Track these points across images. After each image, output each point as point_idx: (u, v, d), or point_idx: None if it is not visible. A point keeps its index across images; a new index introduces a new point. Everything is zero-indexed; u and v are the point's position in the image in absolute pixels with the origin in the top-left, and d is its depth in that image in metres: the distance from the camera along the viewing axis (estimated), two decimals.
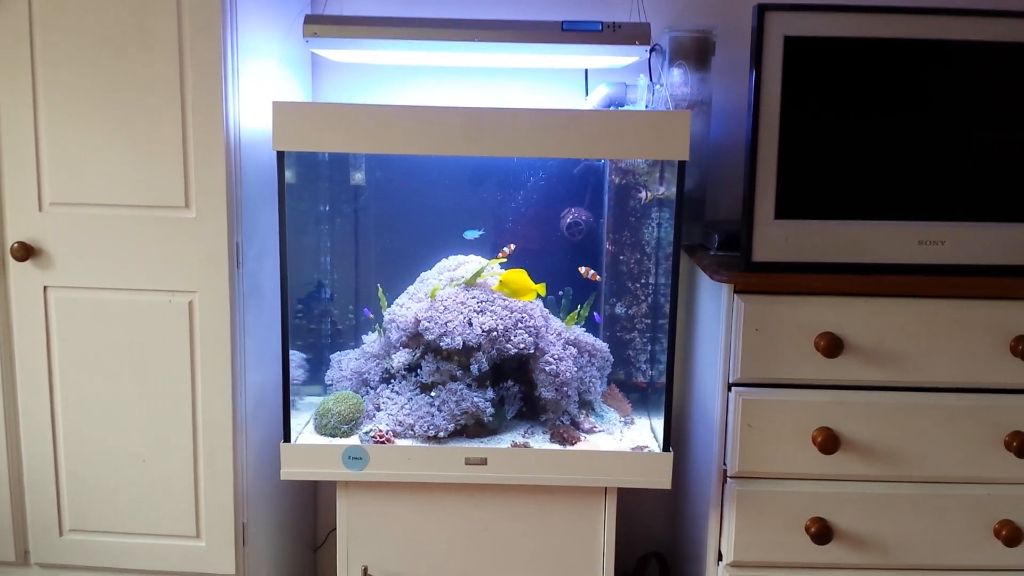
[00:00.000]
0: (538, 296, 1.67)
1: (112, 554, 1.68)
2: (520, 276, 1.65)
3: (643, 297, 1.80)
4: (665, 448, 1.60)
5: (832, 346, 1.49)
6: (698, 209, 1.83)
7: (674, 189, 1.55)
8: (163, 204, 1.57)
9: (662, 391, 1.75)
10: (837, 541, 1.56)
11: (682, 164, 1.50)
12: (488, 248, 1.77)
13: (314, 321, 1.86)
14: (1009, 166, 1.54)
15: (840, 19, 1.49)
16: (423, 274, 1.77)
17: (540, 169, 1.77)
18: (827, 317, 1.50)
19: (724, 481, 1.57)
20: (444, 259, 1.75)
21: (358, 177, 1.82)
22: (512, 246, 1.73)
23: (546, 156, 1.55)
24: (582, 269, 1.73)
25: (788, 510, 1.55)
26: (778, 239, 1.52)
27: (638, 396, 1.83)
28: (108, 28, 1.51)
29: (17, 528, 1.69)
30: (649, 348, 1.82)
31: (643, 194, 1.73)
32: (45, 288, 1.61)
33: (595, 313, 1.80)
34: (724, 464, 1.57)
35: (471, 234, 1.74)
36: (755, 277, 1.50)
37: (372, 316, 1.82)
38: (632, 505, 2.07)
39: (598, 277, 1.73)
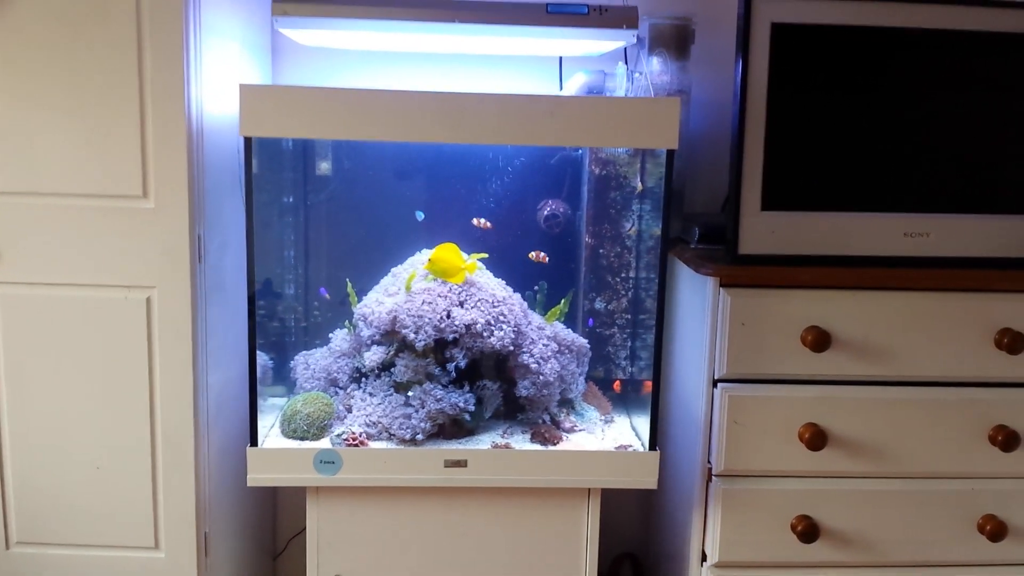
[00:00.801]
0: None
1: (64, 568, 1.58)
2: (449, 253, 1.58)
3: (623, 292, 1.76)
4: (651, 447, 1.56)
5: (820, 340, 1.47)
6: (677, 202, 1.79)
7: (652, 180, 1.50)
8: (119, 194, 1.47)
9: (641, 388, 1.72)
10: (824, 539, 1.54)
11: (671, 153, 1.46)
12: (463, 238, 1.70)
13: (277, 318, 1.78)
14: (995, 158, 1.53)
15: (828, 6, 1.47)
16: (394, 269, 1.70)
17: (516, 159, 1.71)
18: (814, 311, 1.48)
19: (709, 480, 1.54)
20: (417, 253, 1.68)
21: (325, 167, 1.74)
22: (484, 221, 1.66)
23: (528, 144, 1.50)
24: (532, 254, 1.66)
25: (774, 508, 1.53)
26: (765, 231, 1.49)
27: (616, 394, 1.78)
28: (61, 3, 1.41)
29: None
30: (629, 344, 1.78)
31: (636, 184, 1.68)
32: None
33: (590, 320, 1.75)
34: (709, 462, 1.54)
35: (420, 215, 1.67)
36: (741, 270, 1.47)
37: (328, 297, 1.75)
38: (603, 504, 2.03)
39: (546, 259, 1.66)
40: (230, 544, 1.75)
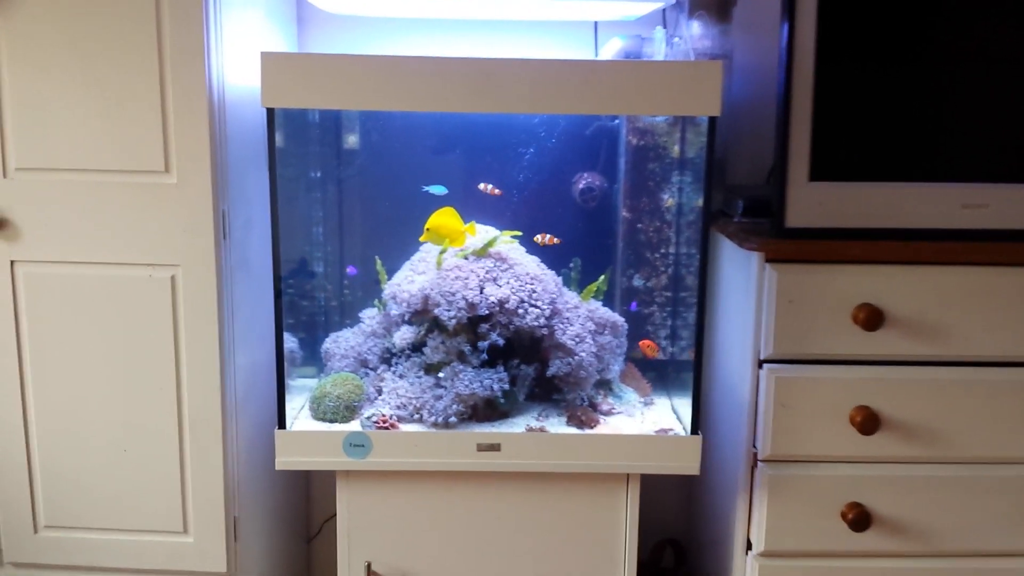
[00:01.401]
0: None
1: (92, 552, 1.55)
2: (447, 217, 1.50)
3: (663, 268, 1.68)
4: (693, 431, 1.49)
5: (872, 318, 1.39)
6: (719, 173, 1.71)
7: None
8: (141, 168, 1.43)
9: (682, 369, 1.65)
10: (876, 527, 1.47)
11: (712, 121, 1.38)
12: (495, 214, 1.64)
13: (307, 297, 1.73)
14: None
15: None
16: (426, 244, 1.64)
17: (551, 130, 1.64)
18: (866, 287, 1.40)
19: (754, 465, 1.47)
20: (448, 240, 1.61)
21: (353, 140, 1.69)
22: (492, 187, 1.59)
23: (563, 112, 1.42)
24: (538, 238, 1.59)
25: (823, 495, 1.46)
26: (813, 203, 1.41)
27: (655, 375, 1.71)
28: None
29: None
30: (669, 323, 1.71)
31: (672, 150, 1.60)
32: (12, 263, 1.47)
33: (633, 303, 1.68)
34: (754, 447, 1.47)
35: (438, 189, 1.60)
36: (788, 244, 1.39)
37: (355, 273, 1.70)
38: (644, 489, 1.96)
39: (556, 241, 1.59)
40: (261, 528, 1.71)
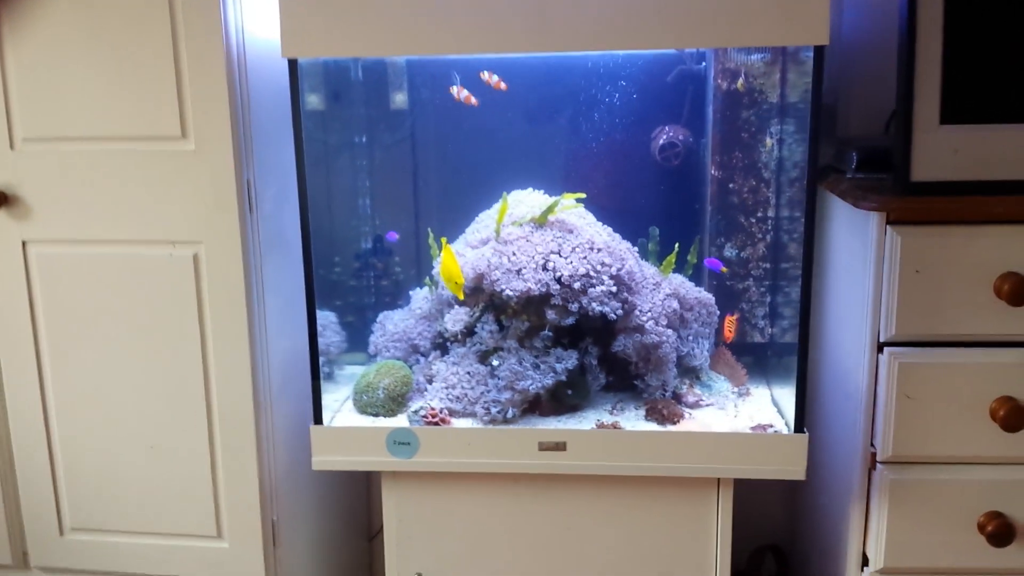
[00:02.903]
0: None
1: (121, 556, 1.46)
2: (448, 260, 1.35)
3: (759, 235, 1.45)
4: (798, 428, 1.27)
5: (1019, 291, 1.21)
6: (828, 122, 1.48)
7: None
8: (155, 135, 1.31)
9: (784, 353, 1.43)
10: (1020, 541, 1.29)
11: (819, 52, 1.15)
12: (560, 178, 1.45)
13: (354, 276, 1.57)
14: None
15: None
16: (481, 215, 1.46)
17: (623, 77, 1.42)
18: (1013, 253, 1.22)
19: (872, 467, 1.30)
20: (505, 195, 1.42)
21: (401, 99, 1.51)
22: (495, 78, 1.37)
23: (635, 48, 1.23)
24: (484, 75, 1.36)
25: (957, 503, 1.29)
26: (944, 151, 1.23)
27: (752, 360, 1.50)
28: None
29: (12, 527, 1.48)
30: (768, 300, 1.48)
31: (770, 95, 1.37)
32: (24, 243, 1.37)
33: (708, 260, 1.45)
34: (872, 446, 1.30)
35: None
36: (915, 202, 1.22)
37: (395, 241, 1.55)
38: (739, 487, 1.77)
39: (502, 85, 1.36)
40: (309, 530, 1.59)
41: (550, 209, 1.35)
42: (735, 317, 1.45)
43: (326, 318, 1.50)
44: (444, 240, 1.37)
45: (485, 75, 1.38)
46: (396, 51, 1.26)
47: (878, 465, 1.28)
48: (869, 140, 1.49)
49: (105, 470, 1.44)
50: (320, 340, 1.35)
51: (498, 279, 1.31)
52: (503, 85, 1.38)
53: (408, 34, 1.19)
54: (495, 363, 1.34)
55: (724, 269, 1.44)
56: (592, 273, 1.31)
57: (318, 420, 1.35)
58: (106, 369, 1.39)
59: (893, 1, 1.50)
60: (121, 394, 1.40)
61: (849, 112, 1.59)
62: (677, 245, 1.42)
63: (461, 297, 1.36)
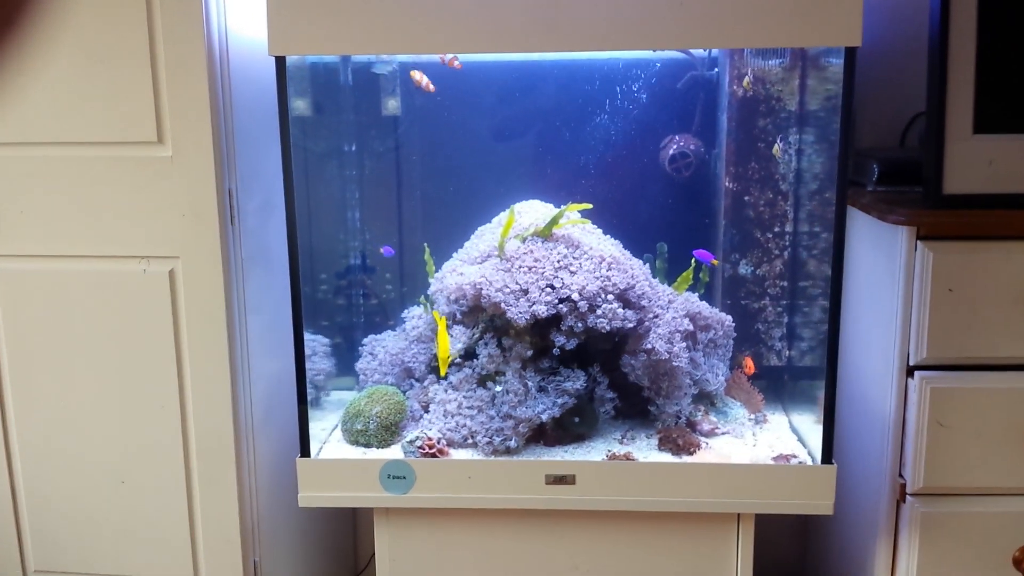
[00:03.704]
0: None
1: None
2: (441, 335, 1.27)
3: (776, 252, 1.36)
4: (825, 459, 1.18)
5: None
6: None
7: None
8: (129, 139, 1.21)
9: (800, 377, 1.35)
10: None
11: (851, 54, 1.06)
12: (564, 187, 1.36)
13: (342, 295, 1.47)
14: None
15: None
16: (481, 228, 1.36)
17: (633, 83, 1.33)
18: None
19: (901, 499, 1.23)
20: (507, 210, 1.33)
21: (394, 105, 1.41)
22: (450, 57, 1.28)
23: (648, 48, 1.14)
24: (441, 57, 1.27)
25: (992, 538, 1.22)
26: (979, 162, 1.17)
27: (766, 384, 1.40)
28: None
29: None
30: (785, 320, 1.38)
31: (777, 146, 1.29)
32: None
33: (697, 251, 1.35)
34: (901, 476, 1.23)
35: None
36: (948, 215, 1.16)
37: (392, 254, 1.46)
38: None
39: (457, 63, 1.27)
40: (293, 569, 1.49)
41: (555, 221, 1.26)
42: (750, 357, 1.37)
43: (313, 340, 1.40)
44: (442, 319, 1.28)
45: (416, 75, 1.28)
46: (390, 49, 1.17)
47: (908, 497, 1.21)
48: (888, 152, 1.42)
49: (72, 507, 1.34)
50: (306, 364, 1.24)
51: (501, 299, 1.21)
52: (432, 87, 1.29)
53: (403, 32, 1.10)
54: (497, 388, 1.24)
55: (715, 262, 1.34)
56: (601, 291, 1.21)
57: (305, 452, 1.24)
58: (73, 397, 1.29)
59: (909, 6, 1.44)
60: (90, 425, 1.30)
61: (863, 122, 1.51)
62: (694, 260, 1.33)
63: (442, 374, 1.28)
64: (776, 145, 1.29)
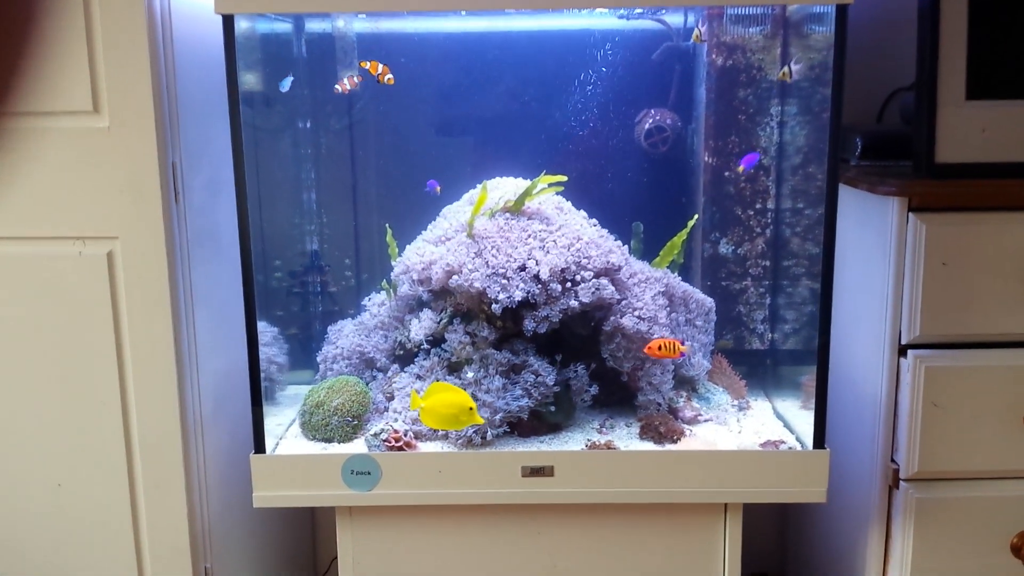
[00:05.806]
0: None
1: None
2: (447, 392, 1.13)
3: (758, 230, 1.30)
4: (817, 443, 1.12)
5: None
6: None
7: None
8: (62, 109, 1.11)
9: (781, 361, 1.32)
10: None
11: (842, 12, 1.00)
12: (535, 163, 1.29)
13: (298, 281, 1.38)
14: None
15: None
16: (446, 208, 1.29)
17: (605, 54, 1.27)
18: None
19: (894, 485, 1.19)
20: (477, 187, 1.26)
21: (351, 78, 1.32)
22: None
23: (631, 5, 1.05)
24: (367, 63, 1.17)
25: (990, 523, 1.19)
26: (972, 130, 1.13)
27: (747, 369, 1.35)
28: None
29: None
30: (768, 301, 1.33)
31: (787, 68, 1.21)
32: None
33: (746, 158, 1.28)
34: (894, 461, 1.19)
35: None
36: (940, 187, 1.12)
37: (439, 191, 1.31)
38: None
39: (389, 77, 1.17)
40: (250, 573, 1.36)
41: (527, 193, 1.19)
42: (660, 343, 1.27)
43: (266, 330, 1.30)
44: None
45: (368, 65, 1.19)
46: (350, 7, 1.08)
47: (901, 482, 1.17)
48: (870, 126, 1.37)
49: (4, 512, 1.24)
50: (260, 353, 1.15)
51: (469, 284, 1.13)
52: (389, 78, 1.19)
53: None
54: (469, 374, 1.16)
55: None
56: (577, 268, 1.14)
57: (259, 448, 1.16)
58: (2, 392, 1.18)
59: None
60: (22, 422, 1.20)
61: (848, 95, 1.47)
62: (685, 230, 1.26)
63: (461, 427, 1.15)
64: (784, 68, 1.21)
